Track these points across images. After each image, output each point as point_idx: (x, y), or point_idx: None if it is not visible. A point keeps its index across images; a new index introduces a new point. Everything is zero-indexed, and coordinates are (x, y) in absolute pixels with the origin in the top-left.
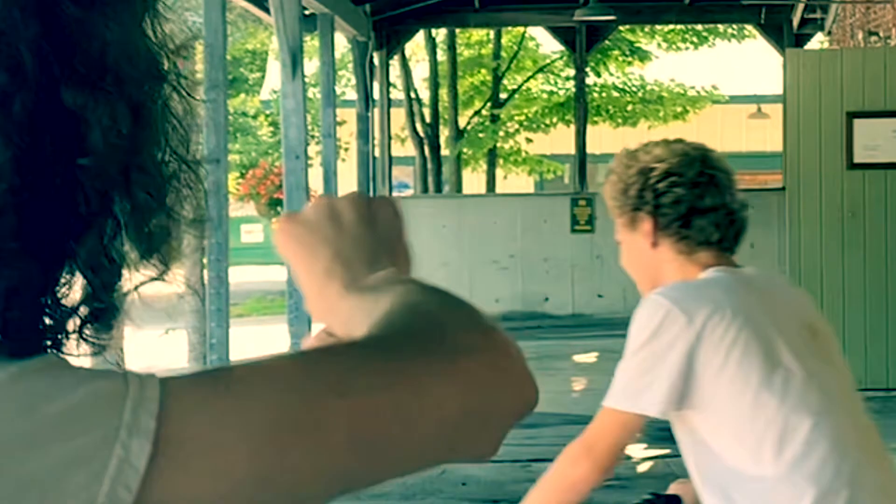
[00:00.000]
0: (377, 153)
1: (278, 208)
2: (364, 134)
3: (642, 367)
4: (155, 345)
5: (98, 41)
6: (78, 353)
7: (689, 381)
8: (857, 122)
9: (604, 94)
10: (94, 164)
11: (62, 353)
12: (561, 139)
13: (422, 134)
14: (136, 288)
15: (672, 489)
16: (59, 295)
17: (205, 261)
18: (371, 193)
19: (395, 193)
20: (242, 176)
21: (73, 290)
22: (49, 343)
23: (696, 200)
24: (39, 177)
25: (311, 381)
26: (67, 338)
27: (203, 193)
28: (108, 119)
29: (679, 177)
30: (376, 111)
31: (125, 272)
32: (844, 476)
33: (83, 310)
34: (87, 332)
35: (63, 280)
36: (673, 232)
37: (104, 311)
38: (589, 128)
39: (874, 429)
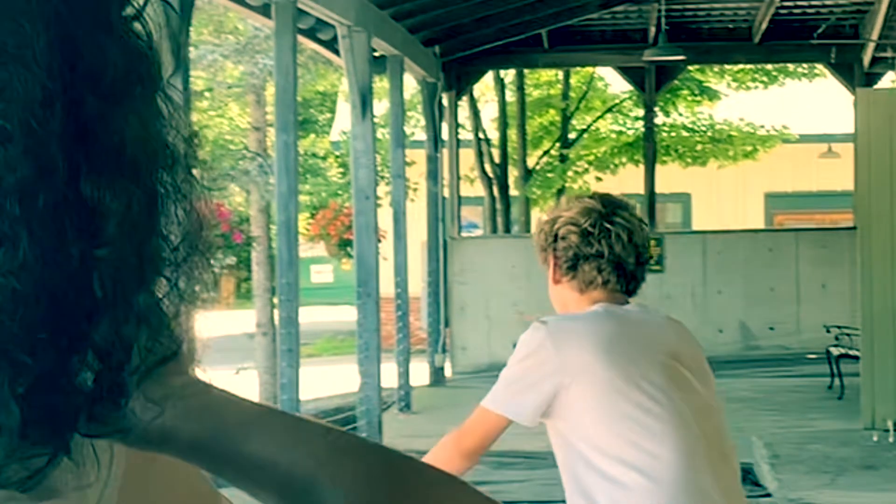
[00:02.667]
0: (446, 193)
1: (348, 248)
2: (433, 174)
3: (514, 380)
4: (226, 384)
5: (118, 135)
6: (89, 434)
7: (553, 399)
8: None
9: (673, 134)
10: (111, 254)
11: (78, 433)
12: (630, 179)
13: (491, 174)
14: (146, 368)
15: None
16: (72, 378)
17: (275, 301)
18: (438, 235)
19: (464, 233)
20: (312, 216)
21: (83, 371)
22: (67, 427)
23: (582, 248)
24: (62, 268)
25: None
26: (79, 419)
27: (213, 275)
28: (125, 210)
29: (574, 226)
30: (445, 152)
31: (136, 353)
32: (692, 490)
33: (93, 390)
34: (96, 411)
35: (76, 361)
36: (564, 273)
37: (113, 392)
38: (658, 167)
39: (729, 445)
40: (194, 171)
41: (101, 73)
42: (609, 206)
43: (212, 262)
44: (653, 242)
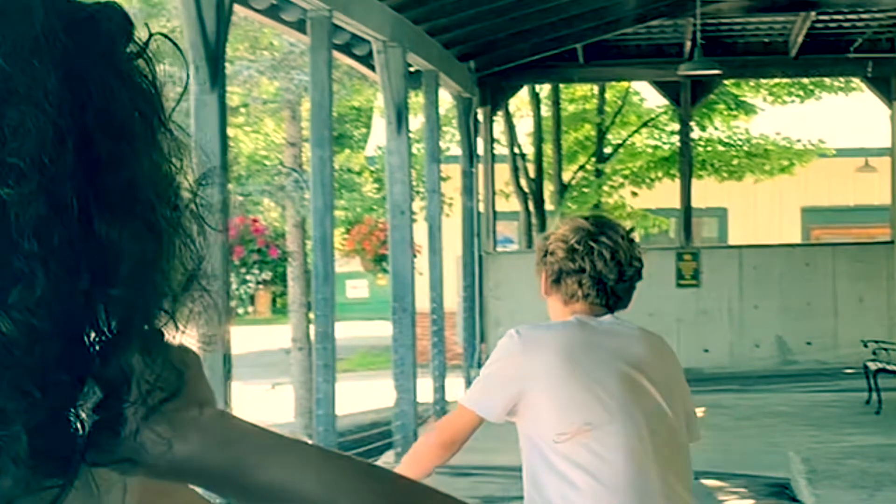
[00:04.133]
0: (482, 208)
1: (383, 263)
2: (468, 189)
3: (487, 381)
4: (262, 399)
5: (128, 173)
6: (93, 463)
7: (519, 400)
8: None
9: (709, 148)
10: (124, 293)
11: (84, 462)
12: (666, 193)
13: (526, 189)
14: (148, 402)
15: None
16: (77, 408)
17: (311, 316)
18: (474, 250)
19: (499, 248)
20: (348, 232)
21: (87, 402)
22: (74, 456)
23: (566, 264)
24: (75, 305)
25: None
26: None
27: (216, 307)
28: (138, 249)
29: (563, 243)
30: (481, 167)
31: (136, 384)
32: (638, 493)
33: (95, 419)
34: (97, 439)
35: (81, 393)
36: (551, 285)
37: (113, 421)
38: (694, 182)
39: (682, 453)
40: (197, 210)
41: (110, 111)
42: (598, 227)
43: (211, 293)
44: (688, 257)
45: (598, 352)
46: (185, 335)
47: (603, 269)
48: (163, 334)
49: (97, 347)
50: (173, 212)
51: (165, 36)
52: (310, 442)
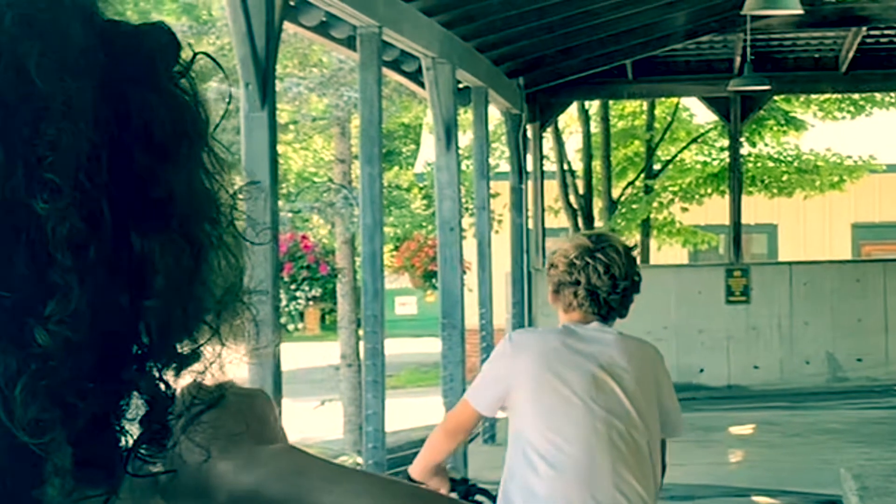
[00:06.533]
0: (531, 225)
1: (433, 280)
2: (518, 206)
3: (484, 378)
4: (311, 416)
5: (165, 188)
6: (137, 474)
7: (507, 396)
8: None
9: (759, 165)
10: (159, 304)
11: (127, 473)
12: (715, 210)
13: (575, 205)
14: (189, 414)
15: None
16: (121, 420)
17: (360, 332)
18: (523, 267)
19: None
20: (396, 248)
21: (131, 413)
22: (117, 467)
23: (564, 276)
24: (112, 317)
25: None
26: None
27: (254, 322)
28: (173, 262)
29: (564, 257)
30: (530, 183)
31: (180, 397)
32: (589, 481)
33: (140, 432)
34: (142, 451)
35: (124, 404)
36: (552, 295)
37: (159, 433)
38: (744, 198)
39: (637, 446)
40: (235, 224)
41: (149, 129)
42: (597, 243)
43: (251, 308)
44: (738, 273)
45: (574, 355)
46: (230, 350)
47: (597, 281)
48: (202, 347)
49: (137, 359)
50: (213, 227)
51: (209, 56)
52: (369, 471)
